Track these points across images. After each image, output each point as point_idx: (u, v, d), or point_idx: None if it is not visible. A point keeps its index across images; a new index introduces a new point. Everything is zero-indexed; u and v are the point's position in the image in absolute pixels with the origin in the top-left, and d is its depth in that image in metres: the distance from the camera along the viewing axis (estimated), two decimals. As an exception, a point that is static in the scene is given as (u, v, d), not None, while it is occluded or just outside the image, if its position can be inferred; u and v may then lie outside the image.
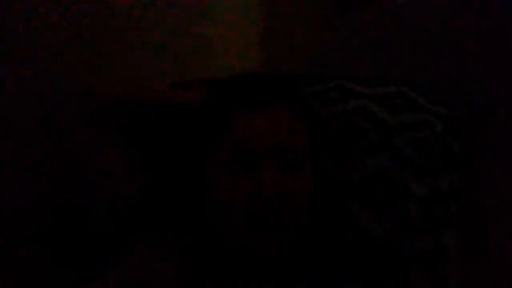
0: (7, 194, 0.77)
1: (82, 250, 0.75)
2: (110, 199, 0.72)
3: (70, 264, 0.75)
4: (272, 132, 0.61)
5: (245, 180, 0.59)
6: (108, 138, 0.70)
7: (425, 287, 0.70)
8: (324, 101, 0.80)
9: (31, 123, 0.80)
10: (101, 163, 0.70)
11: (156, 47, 0.97)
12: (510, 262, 0.71)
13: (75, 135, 0.72)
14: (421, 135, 0.75)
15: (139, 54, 0.95)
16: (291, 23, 1.05)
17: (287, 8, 1.06)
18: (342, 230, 0.72)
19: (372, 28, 0.92)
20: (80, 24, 0.87)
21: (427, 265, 0.70)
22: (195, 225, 0.68)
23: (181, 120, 0.71)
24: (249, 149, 0.60)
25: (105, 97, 0.72)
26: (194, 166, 0.67)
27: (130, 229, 0.75)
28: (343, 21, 0.96)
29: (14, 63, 0.79)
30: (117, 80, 0.91)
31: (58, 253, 0.77)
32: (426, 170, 0.73)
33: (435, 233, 0.71)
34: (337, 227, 0.72)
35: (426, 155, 0.74)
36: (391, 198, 0.72)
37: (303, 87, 0.83)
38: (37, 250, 0.79)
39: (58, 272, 0.76)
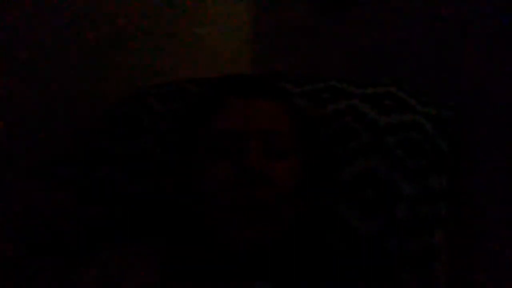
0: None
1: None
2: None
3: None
4: (255, 117, 0.62)
5: (228, 165, 0.59)
6: None
7: (413, 286, 0.70)
8: (315, 101, 0.80)
9: (30, 121, 0.80)
10: None
11: (146, 46, 0.97)
12: (497, 261, 0.71)
13: None
14: (411, 136, 0.75)
15: (129, 53, 0.95)
16: (280, 24, 1.05)
17: (276, 9, 1.06)
18: (331, 229, 0.72)
19: (359, 28, 0.92)
20: (79, 24, 0.87)
21: (416, 265, 0.70)
22: (183, 217, 0.67)
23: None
24: (232, 134, 0.61)
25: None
26: (181, 156, 0.67)
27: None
28: (331, 22, 0.96)
29: (13, 62, 0.78)
30: (114, 79, 0.91)
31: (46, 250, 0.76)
32: (416, 170, 0.73)
33: (424, 233, 0.71)
34: (326, 226, 0.72)
35: (416, 156, 0.74)
36: (381, 198, 0.72)
37: (294, 87, 0.83)
38: (25, 250, 0.78)
39: (44, 270, 0.74)
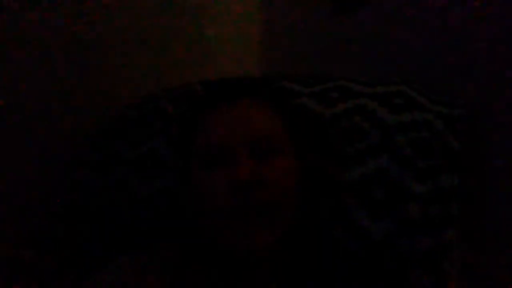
0: (8, 195, 0.78)
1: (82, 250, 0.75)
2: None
3: (70, 265, 0.75)
4: (239, 124, 0.62)
5: (221, 174, 0.59)
6: None
7: (425, 286, 0.69)
8: (324, 101, 0.80)
9: (31, 121, 0.81)
10: None
11: (156, 48, 0.98)
12: (510, 261, 0.70)
13: None
14: (421, 135, 0.74)
15: (138, 55, 0.96)
16: (290, 24, 1.05)
17: (286, 10, 1.06)
18: (341, 230, 0.72)
19: (370, 28, 0.92)
20: (80, 24, 0.88)
21: (427, 265, 0.70)
22: (183, 226, 0.68)
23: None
24: (220, 143, 0.61)
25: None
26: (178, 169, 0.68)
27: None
28: (341, 22, 0.96)
29: (14, 62, 0.80)
30: (115, 80, 0.92)
31: (59, 254, 0.77)
32: (426, 170, 0.73)
33: (435, 232, 0.71)
34: (334, 227, 0.72)
35: (426, 155, 0.73)
36: (391, 198, 0.72)
37: (303, 87, 0.83)
38: (39, 252, 0.79)
39: (58, 273, 0.76)
